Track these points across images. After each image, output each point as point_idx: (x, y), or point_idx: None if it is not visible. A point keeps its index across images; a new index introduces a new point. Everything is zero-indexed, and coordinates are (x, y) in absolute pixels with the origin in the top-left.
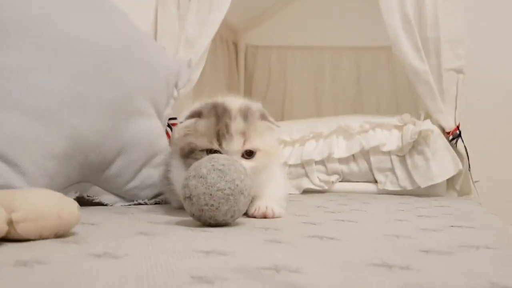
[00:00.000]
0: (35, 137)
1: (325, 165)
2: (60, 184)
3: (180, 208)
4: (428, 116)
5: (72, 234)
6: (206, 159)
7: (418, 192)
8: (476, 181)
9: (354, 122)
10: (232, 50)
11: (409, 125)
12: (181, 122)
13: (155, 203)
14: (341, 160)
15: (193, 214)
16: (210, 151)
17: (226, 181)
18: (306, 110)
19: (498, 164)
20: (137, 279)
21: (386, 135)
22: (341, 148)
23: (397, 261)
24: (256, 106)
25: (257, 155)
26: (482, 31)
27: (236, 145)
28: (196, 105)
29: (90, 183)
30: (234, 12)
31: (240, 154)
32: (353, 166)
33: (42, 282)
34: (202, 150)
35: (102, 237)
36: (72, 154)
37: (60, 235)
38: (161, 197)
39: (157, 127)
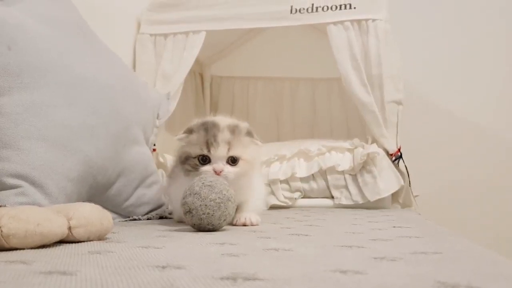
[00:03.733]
0: (56, 163)
1: (288, 184)
2: (73, 202)
3: (180, 222)
4: (374, 140)
5: (108, 238)
6: (197, 179)
7: (368, 205)
8: (416, 196)
9: (313, 146)
10: (198, 80)
11: (359, 148)
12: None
13: (147, 219)
14: (302, 179)
15: (194, 224)
16: (201, 157)
17: (215, 193)
18: (268, 134)
19: (435, 180)
20: (184, 255)
21: (340, 157)
22: (302, 168)
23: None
24: (243, 124)
25: (240, 163)
26: (422, 66)
27: (221, 151)
28: (189, 123)
29: (94, 201)
30: (201, 47)
31: (225, 160)
32: (313, 184)
33: (117, 260)
34: (194, 157)
35: (133, 239)
36: (84, 176)
37: (101, 238)
38: (152, 213)
39: (148, 153)
